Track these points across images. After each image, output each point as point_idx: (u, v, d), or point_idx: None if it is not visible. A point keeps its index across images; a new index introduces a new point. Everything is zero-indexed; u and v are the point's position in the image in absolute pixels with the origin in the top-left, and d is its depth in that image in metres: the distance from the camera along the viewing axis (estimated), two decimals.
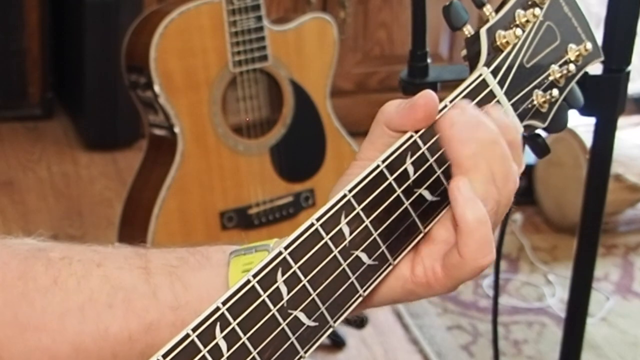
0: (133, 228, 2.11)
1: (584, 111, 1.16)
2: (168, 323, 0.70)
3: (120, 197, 2.27)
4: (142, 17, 2.13)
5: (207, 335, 0.64)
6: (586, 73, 1.13)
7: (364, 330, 2.37)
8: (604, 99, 1.16)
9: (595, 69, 1.16)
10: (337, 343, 2.31)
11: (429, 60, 1.15)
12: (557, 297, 2.50)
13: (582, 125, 2.57)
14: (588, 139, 2.02)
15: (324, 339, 0.67)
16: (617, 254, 2.71)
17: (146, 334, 0.70)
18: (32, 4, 3.12)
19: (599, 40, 1.16)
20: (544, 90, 0.77)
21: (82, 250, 0.73)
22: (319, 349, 2.36)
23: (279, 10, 3.04)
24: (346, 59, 3.09)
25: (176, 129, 2.04)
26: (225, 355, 0.64)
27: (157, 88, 2.02)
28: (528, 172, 2.83)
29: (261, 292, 0.65)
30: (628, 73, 1.17)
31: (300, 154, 2.19)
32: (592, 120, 1.21)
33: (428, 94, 0.70)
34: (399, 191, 0.69)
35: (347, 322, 2.33)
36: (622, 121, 1.22)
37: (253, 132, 2.13)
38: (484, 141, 0.68)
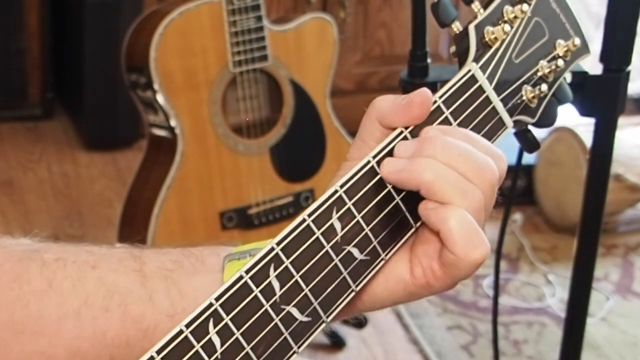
0: (133, 228, 2.11)
1: (584, 111, 1.17)
2: (164, 329, 0.69)
3: (120, 197, 2.27)
4: (142, 17, 2.13)
5: (200, 331, 0.64)
6: (586, 73, 1.14)
7: (364, 330, 2.37)
8: (604, 99, 1.17)
9: (595, 69, 1.16)
10: (337, 343, 2.31)
11: (429, 60, 1.15)
12: (557, 297, 2.50)
13: (582, 125, 2.57)
14: (588, 139, 2.02)
15: (317, 334, 0.67)
16: (617, 254, 2.71)
17: (143, 339, 0.70)
18: (32, 4, 3.12)
19: (599, 40, 1.17)
20: (533, 86, 0.77)
21: (76, 251, 0.73)
22: (319, 349, 2.36)
23: (279, 10, 3.04)
24: (346, 59, 3.09)
25: (176, 129, 2.04)
26: (219, 350, 0.64)
27: (157, 88, 2.02)
28: (528, 172, 2.83)
29: (254, 287, 0.65)
30: (628, 73, 1.17)
31: (300, 154, 2.19)
32: (592, 120, 1.21)
33: (424, 92, 0.71)
34: (390, 186, 0.70)
35: (347, 322, 2.33)
36: (622, 121, 1.22)
37: (253, 132, 2.13)
38: (432, 153, 0.68)
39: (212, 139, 2.08)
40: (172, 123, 2.04)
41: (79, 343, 0.70)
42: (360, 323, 2.36)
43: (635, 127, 2.96)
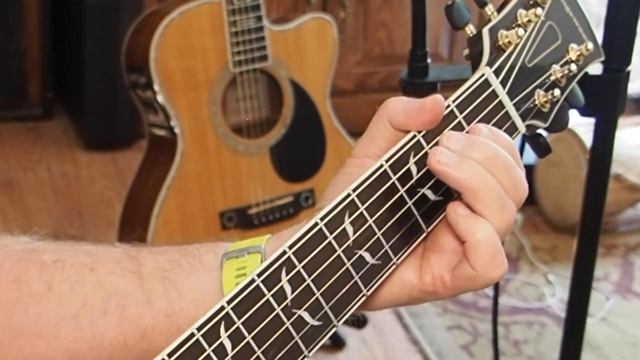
0: (133, 228, 2.11)
1: (584, 111, 1.17)
2: (163, 329, 0.70)
3: (120, 197, 2.27)
4: (142, 17, 2.13)
5: (211, 335, 0.64)
6: (586, 73, 1.14)
7: (364, 330, 2.37)
8: (604, 99, 1.16)
9: (595, 69, 1.16)
10: (337, 343, 2.31)
11: (429, 60, 1.15)
12: (557, 297, 2.50)
13: (582, 125, 2.56)
14: (588, 139, 2.02)
15: (327, 338, 0.68)
16: (617, 254, 2.71)
17: (142, 340, 0.70)
18: (32, 4, 3.12)
19: (599, 40, 1.17)
20: (546, 90, 0.77)
21: (74, 252, 0.73)
22: (319, 349, 2.36)
23: (279, 10, 3.04)
24: (346, 59, 3.09)
25: (176, 129, 2.04)
26: (230, 354, 0.64)
27: (157, 88, 2.02)
28: (528, 172, 2.82)
29: (265, 291, 0.65)
30: (628, 73, 1.17)
31: (300, 154, 2.19)
32: (592, 120, 1.21)
33: (437, 99, 0.71)
34: (402, 191, 0.70)
35: (347, 322, 2.33)
36: (622, 121, 1.22)
37: (253, 132, 2.13)
38: (483, 158, 0.68)
39: (212, 139, 2.07)
40: (172, 123, 2.04)
41: (77, 346, 0.70)
42: (360, 323, 2.36)
43: (635, 127, 2.96)
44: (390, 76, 3.19)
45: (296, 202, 2.19)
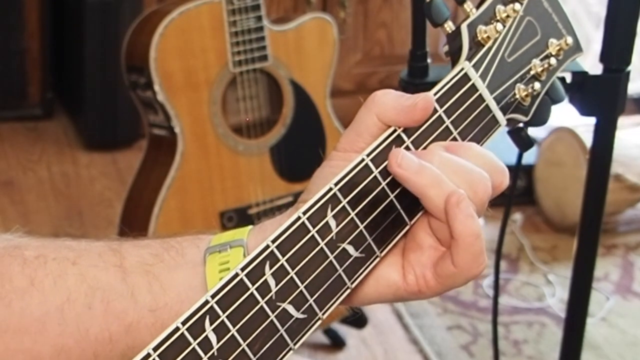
0: (133, 228, 2.11)
1: (584, 111, 1.17)
2: (148, 324, 0.70)
3: (120, 197, 2.27)
4: (142, 17, 2.13)
5: (196, 328, 0.64)
6: (586, 73, 1.14)
7: (364, 330, 2.37)
8: (604, 99, 1.17)
9: (595, 69, 1.16)
10: (337, 343, 2.31)
11: (429, 60, 1.15)
12: (557, 297, 2.50)
13: (582, 125, 2.57)
14: (588, 139, 2.02)
15: (313, 331, 0.68)
16: (617, 254, 2.71)
17: (126, 335, 0.70)
18: (32, 4, 3.12)
19: (599, 40, 1.17)
20: (526, 84, 0.78)
21: (56, 247, 0.73)
22: (319, 349, 2.36)
23: (279, 10, 3.04)
24: (346, 59, 3.09)
25: (176, 129, 2.04)
26: (215, 347, 0.64)
27: (157, 88, 2.02)
28: (528, 172, 2.83)
29: (249, 285, 0.66)
30: (628, 73, 1.17)
31: (300, 154, 2.19)
32: (592, 120, 1.21)
33: (428, 98, 0.71)
34: (384, 184, 0.70)
35: (347, 322, 2.33)
36: (622, 121, 1.22)
37: (253, 132, 2.13)
38: (436, 163, 0.69)
39: (212, 139, 2.07)
40: (172, 123, 2.04)
41: (63, 340, 0.70)
42: (360, 323, 2.36)
43: (635, 127, 2.96)
44: (390, 76, 3.19)
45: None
